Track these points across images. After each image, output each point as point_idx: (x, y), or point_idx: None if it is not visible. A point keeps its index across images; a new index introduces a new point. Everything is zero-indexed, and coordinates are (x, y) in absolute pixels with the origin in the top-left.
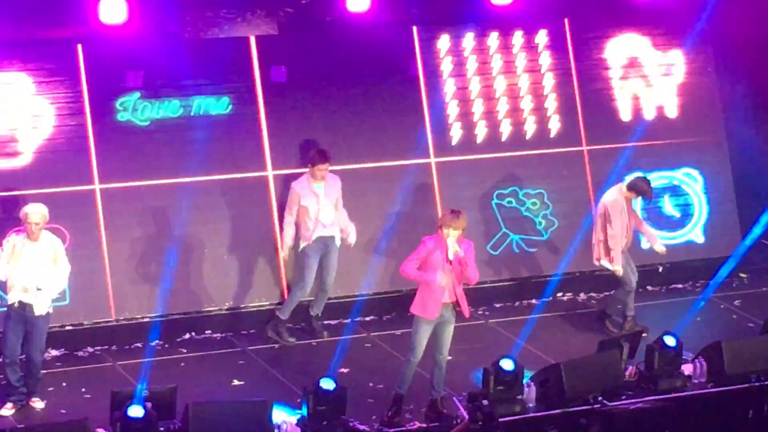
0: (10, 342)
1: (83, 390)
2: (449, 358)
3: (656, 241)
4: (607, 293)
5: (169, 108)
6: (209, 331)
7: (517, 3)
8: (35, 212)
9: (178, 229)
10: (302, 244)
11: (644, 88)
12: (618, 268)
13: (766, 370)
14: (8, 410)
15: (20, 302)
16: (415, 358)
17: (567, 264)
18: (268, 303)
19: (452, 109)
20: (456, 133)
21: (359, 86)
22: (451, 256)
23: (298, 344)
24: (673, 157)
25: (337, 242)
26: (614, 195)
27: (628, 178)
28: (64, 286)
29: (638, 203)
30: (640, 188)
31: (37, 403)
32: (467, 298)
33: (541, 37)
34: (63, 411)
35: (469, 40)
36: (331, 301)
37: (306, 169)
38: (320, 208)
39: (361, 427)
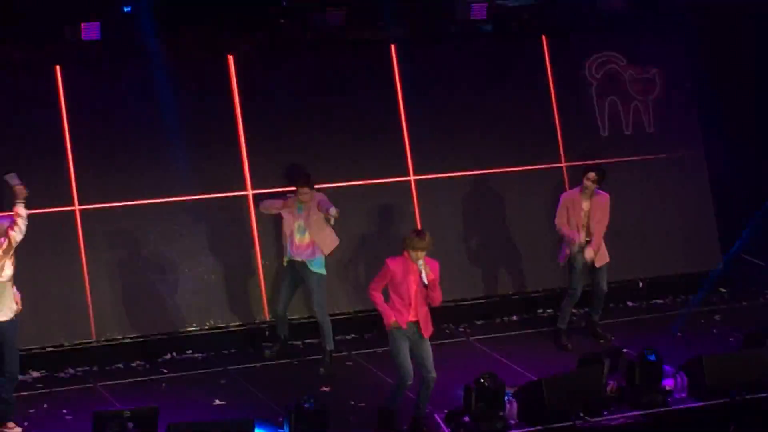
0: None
1: (65, 411)
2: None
3: (592, 250)
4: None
5: (149, 128)
6: (190, 351)
7: (496, 20)
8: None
9: (159, 249)
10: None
11: (622, 104)
12: (591, 255)
13: (747, 384)
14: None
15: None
16: (406, 377)
17: (548, 280)
18: (248, 322)
19: (431, 126)
20: (435, 150)
21: (338, 104)
22: (425, 281)
23: (280, 363)
24: (651, 172)
25: (313, 268)
26: (570, 191)
27: None
28: None
29: (599, 205)
30: (588, 168)
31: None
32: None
33: (520, 54)
34: None
35: (447, 56)
36: (312, 320)
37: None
38: (295, 228)
39: None
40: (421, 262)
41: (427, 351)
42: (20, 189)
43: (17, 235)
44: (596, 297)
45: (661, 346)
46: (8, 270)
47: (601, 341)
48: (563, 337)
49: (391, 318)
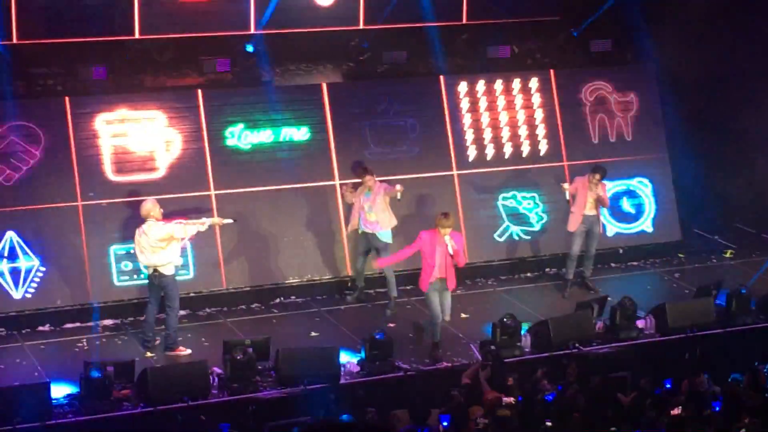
0: None
1: (203, 339)
2: (467, 316)
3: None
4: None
5: (264, 135)
6: (293, 297)
7: (517, 58)
8: None
9: (271, 222)
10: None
11: (609, 119)
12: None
13: (698, 324)
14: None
15: None
16: (436, 317)
17: (554, 247)
18: (335, 276)
19: (468, 135)
20: (471, 152)
21: (398, 123)
22: (450, 251)
23: (358, 306)
24: (629, 169)
25: (381, 238)
26: (582, 177)
27: None
28: None
29: (599, 190)
30: (595, 168)
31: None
32: (456, 275)
33: (534, 83)
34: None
35: (480, 85)
36: (381, 275)
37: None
38: (365, 208)
39: (403, 366)
40: (447, 237)
41: (447, 300)
42: (219, 223)
43: (191, 230)
44: (587, 258)
45: (635, 295)
46: (176, 248)
47: (592, 292)
48: (567, 286)
49: (425, 286)
